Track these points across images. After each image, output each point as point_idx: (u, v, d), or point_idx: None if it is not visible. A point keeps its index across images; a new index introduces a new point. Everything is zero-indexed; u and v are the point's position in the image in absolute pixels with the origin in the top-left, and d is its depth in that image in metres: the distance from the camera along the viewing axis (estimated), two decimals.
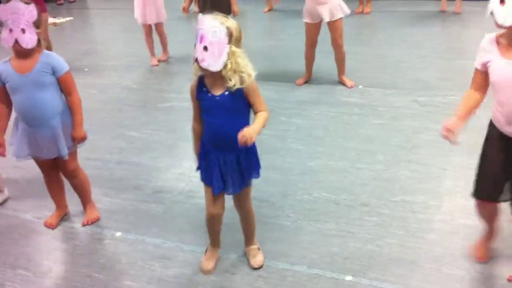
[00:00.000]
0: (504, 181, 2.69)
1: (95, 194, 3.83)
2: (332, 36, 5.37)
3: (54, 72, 3.19)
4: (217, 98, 2.67)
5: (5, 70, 3.17)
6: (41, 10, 6.64)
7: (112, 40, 8.55)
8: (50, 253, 3.37)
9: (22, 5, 3.07)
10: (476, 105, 2.69)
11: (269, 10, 9.39)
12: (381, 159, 4.08)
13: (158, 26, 6.75)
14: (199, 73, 2.70)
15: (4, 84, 3.19)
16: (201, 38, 2.55)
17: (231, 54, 2.58)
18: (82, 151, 4.54)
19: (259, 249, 3.14)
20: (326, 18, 5.24)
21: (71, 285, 3.07)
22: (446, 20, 7.79)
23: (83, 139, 3.35)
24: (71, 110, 3.30)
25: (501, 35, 2.53)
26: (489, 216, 2.90)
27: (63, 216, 3.68)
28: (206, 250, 3.16)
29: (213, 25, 2.54)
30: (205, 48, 2.54)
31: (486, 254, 2.98)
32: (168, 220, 3.57)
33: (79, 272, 3.16)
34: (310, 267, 3.03)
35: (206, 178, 2.87)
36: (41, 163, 3.45)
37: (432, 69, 5.82)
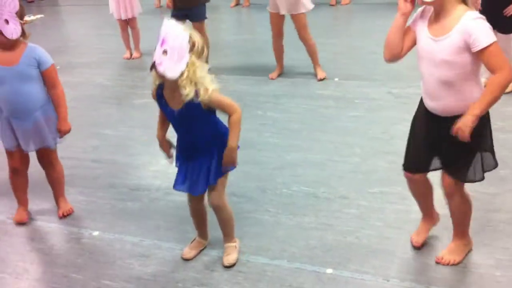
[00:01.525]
0: (428, 153, 2.77)
1: (71, 193, 3.78)
2: (296, 28, 5.38)
3: (39, 65, 3.17)
4: (176, 113, 2.67)
5: None
6: None
7: (84, 37, 8.44)
8: (26, 254, 3.31)
9: None
10: (400, 42, 2.71)
11: (236, 5, 9.29)
12: (358, 151, 4.09)
13: (131, 20, 6.72)
14: (157, 81, 2.67)
15: None
16: (162, 42, 2.50)
17: (190, 64, 2.53)
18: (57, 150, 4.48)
19: (236, 247, 3.09)
20: (283, 11, 5.25)
21: (48, 286, 3.02)
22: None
23: (67, 131, 3.36)
24: (55, 103, 3.30)
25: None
26: (418, 191, 2.96)
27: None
28: (193, 240, 3.17)
29: (176, 30, 2.51)
30: (165, 52, 2.48)
31: (421, 240, 3.03)
32: (145, 218, 3.53)
33: (56, 273, 3.11)
34: (290, 261, 3.02)
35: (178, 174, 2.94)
36: (14, 158, 3.42)
37: (405, 60, 5.78)
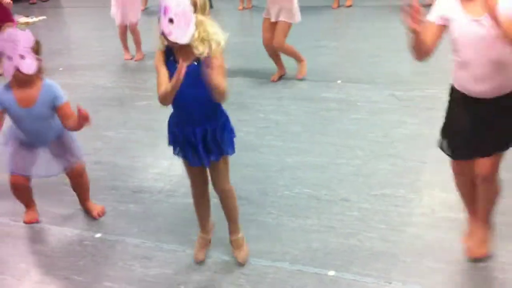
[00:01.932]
0: (474, 141, 2.70)
1: (73, 195, 3.77)
2: (274, 35, 5.44)
3: (54, 102, 3.19)
4: (187, 71, 2.50)
5: (8, 100, 3.15)
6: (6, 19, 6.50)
7: (86, 39, 8.44)
8: (27, 256, 3.30)
9: (18, 32, 3.05)
10: (425, 44, 2.55)
11: (244, 8, 9.32)
12: (360, 154, 4.08)
13: (132, 24, 6.73)
14: (165, 43, 2.59)
15: (3, 109, 3.17)
16: (165, 11, 2.46)
17: (198, 24, 2.50)
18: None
19: (243, 237, 3.09)
20: (272, 17, 5.31)
21: None
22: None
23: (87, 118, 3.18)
24: (70, 129, 3.32)
25: None
26: (467, 184, 2.88)
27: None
28: (198, 238, 3.15)
29: None
30: (171, 21, 2.45)
31: (482, 248, 2.91)
32: (147, 220, 3.53)
33: (57, 275, 3.11)
34: (292, 263, 3.01)
35: (181, 153, 2.83)
36: (18, 178, 3.47)
37: (408, 63, 5.79)
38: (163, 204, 3.68)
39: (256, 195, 3.68)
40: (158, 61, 2.64)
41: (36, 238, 3.46)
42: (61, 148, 3.39)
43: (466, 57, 2.54)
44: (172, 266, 3.09)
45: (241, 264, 3.04)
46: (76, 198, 3.71)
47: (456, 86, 2.68)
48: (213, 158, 2.79)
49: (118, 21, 6.71)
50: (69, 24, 9.92)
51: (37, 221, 3.59)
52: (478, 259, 2.89)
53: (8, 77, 3.11)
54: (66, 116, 3.22)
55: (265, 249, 3.14)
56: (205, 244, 3.15)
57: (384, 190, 3.59)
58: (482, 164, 2.71)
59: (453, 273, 2.85)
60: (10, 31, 3.07)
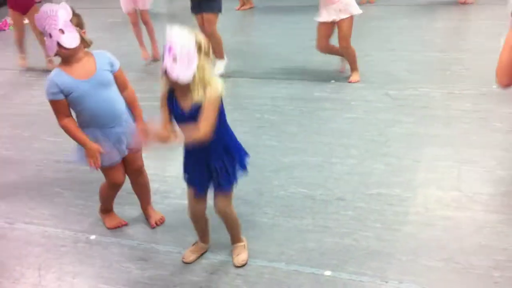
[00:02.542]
0: None
1: (67, 197, 3.77)
2: (338, 36, 5.32)
3: (111, 68, 3.06)
4: (186, 114, 2.63)
5: (65, 81, 2.94)
6: (31, 3, 6.48)
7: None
8: (22, 258, 3.29)
9: (54, 6, 2.88)
10: None
11: (242, 7, 9.26)
12: (355, 153, 4.09)
13: (144, 14, 6.49)
14: (168, 86, 2.66)
15: (66, 97, 2.97)
16: (170, 50, 2.52)
17: (200, 67, 2.56)
18: (52, 154, 4.47)
19: (244, 246, 3.12)
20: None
21: None
22: (414, 12, 7.85)
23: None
24: (129, 103, 3.18)
25: None
26: None
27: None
28: (195, 243, 3.18)
29: (181, 35, 2.52)
30: (175, 59, 2.51)
31: None
32: (143, 222, 3.52)
33: (52, 277, 3.10)
34: (288, 264, 3.01)
35: (190, 180, 2.89)
36: (116, 172, 3.31)
37: (401, 62, 5.85)
38: (158, 205, 3.67)
39: (252, 195, 3.68)
40: (162, 104, 2.73)
41: (30, 240, 3.45)
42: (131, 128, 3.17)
43: None
44: (168, 267, 3.09)
45: (237, 266, 3.04)
46: (69, 200, 3.70)
47: None
48: (226, 189, 2.85)
49: (124, 8, 6.40)
50: None
51: (125, 224, 3.51)
52: None
53: (52, 55, 2.96)
54: (124, 84, 3.12)
55: (261, 249, 3.14)
56: (200, 250, 3.16)
57: (379, 189, 3.60)
58: None
59: (448, 271, 2.85)
60: (45, 7, 2.88)
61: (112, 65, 3.07)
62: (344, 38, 5.23)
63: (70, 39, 2.91)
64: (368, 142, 4.23)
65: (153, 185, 3.90)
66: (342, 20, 5.14)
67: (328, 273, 2.91)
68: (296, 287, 2.84)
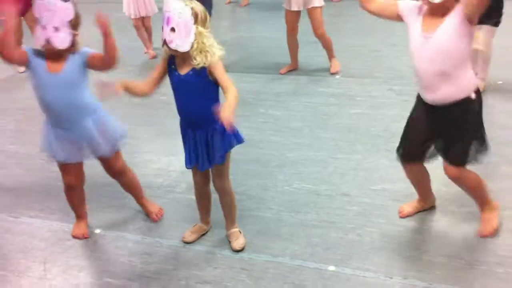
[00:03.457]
0: (425, 144, 2.92)
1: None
2: (311, 24, 5.38)
3: (83, 58, 2.97)
4: (182, 77, 2.76)
5: (35, 60, 2.93)
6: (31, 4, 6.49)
7: (88, 35, 8.41)
8: (27, 252, 3.30)
9: (59, 2, 2.83)
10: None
11: (230, 2, 9.23)
12: (360, 149, 4.08)
13: (147, 20, 6.65)
14: (168, 53, 2.79)
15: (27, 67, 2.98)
16: (168, 20, 2.65)
17: (197, 35, 2.67)
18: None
19: (240, 232, 3.17)
20: (295, 7, 5.25)
21: (49, 283, 3.01)
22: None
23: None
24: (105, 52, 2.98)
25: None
26: (414, 177, 3.13)
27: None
28: (195, 224, 3.26)
29: (178, 6, 2.64)
30: (173, 30, 2.65)
31: (406, 213, 3.24)
32: (147, 216, 3.52)
33: (57, 271, 3.11)
34: (292, 259, 3.02)
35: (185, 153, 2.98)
36: (68, 172, 3.27)
37: (406, 57, 5.76)
38: (162, 200, 3.68)
39: (256, 190, 3.68)
40: (158, 66, 2.89)
41: (35, 234, 3.46)
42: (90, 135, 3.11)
43: (415, 63, 2.74)
44: (172, 261, 3.09)
45: (237, 250, 3.06)
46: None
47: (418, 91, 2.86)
48: (217, 161, 2.90)
49: (132, 14, 6.53)
50: None
51: (87, 237, 3.38)
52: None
53: (38, 45, 2.91)
54: (98, 58, 2.97)
55: (265, 244, 3.14)
56: (199, 230, 3.24)
57: (384, 185, 3.60)
58: (446, 169, 2.88)
59: (453, 267, 2.85)
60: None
61: (84, 54, 2.98)
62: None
63: (62, 40, 2.87)
64: (373, 137, 4.23)
65: (158, 180, 3.92)
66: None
67: (332, 268, 2.92)
68: (299, 282, 2.85)
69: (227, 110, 2.53)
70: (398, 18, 2.82)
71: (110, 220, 3.52)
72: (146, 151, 4.39)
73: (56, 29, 2.84)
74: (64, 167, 3.21)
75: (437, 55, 2.62)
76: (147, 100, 5.29)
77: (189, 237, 3.21)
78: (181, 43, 2.66)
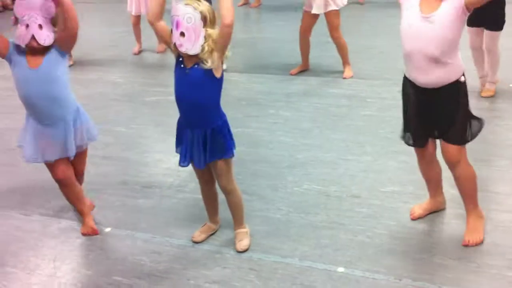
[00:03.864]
0: (425, 125, 2.94)
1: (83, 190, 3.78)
2: (328, 27, 5.38)
3: (56, 49, 3.04)
4: (187, 71, 2.78)
5: (16, 56, 3.03)
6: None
7: (97, 34, 8.45)
8: (37, 249, 3.32)
9: (40, 1, 2.92)
10: None
11: (244, 4, 9.22)
12: (369, 151, 4.07)
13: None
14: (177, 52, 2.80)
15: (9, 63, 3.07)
16: (177, 25, 2.67)
17: (207, 36, 2.69)
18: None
19: (247, 233, 3.17)
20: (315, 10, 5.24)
21: (59, 281, 3.03)
22: None
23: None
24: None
25: None
26: (427, 167, 3.14)
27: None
28: (204, 224, 3.27)
29: (187, 11, 2.65)
30: (182, 34, 2.66)
31: (417, 215, 3.23)
32: (156, 215, 3.53)
33: (67, 269, 3.12)
34: (301, 260, 3.01)
35: (180, 152, 3.01)
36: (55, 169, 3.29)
37: None
38: (172, 200, 3.69)
39: (266, 191, 3.68)
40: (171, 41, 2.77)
41: (45, 232, 3.47)
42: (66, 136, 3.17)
43: (408, 49, 2.77)
44: (181, 261, 3.10)
45: (239, 251, 3.07)
46: (86, 193, 3.71)
47: (405, 73, 2.91)
48: (208, 160, 2.92)
49: (133, 10, 6.63)
50: (80, 20, 9.93)
51: (97, 233, 3.39)
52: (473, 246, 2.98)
53: (21, 44, 2.98)
54: (60, 31, 3.03)
55: (274, 245, 3.14)
56: (208, 230, 3.25)
57: (393, 187, 3.58)
58: (446, 152, 2.91)
59: (463, 270, 2.83)
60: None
61: (58, 51, 3.05)
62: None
63: (46, 37, 2.96)
64: (383, 139, 4.21)
65: (168, 180, 3.93)
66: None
67: (341, 269, 2.91)
68: (308, 283, 2.84)
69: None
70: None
71: (120, 219, 3.53)
72: (156, 151, 4.40)
73: (40, 26, 2.93)
74: (48, 165, 3.27)
75: (433, 38, 2.67)
76: (157, 100, 5.34)
77: (198, 236, 3.22)
78: (191, 47, 2.68)
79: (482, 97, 4.70)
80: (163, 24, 2.79)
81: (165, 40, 2.84)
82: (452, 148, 2.87)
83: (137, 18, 6.75)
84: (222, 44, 2.72)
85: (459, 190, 3.02)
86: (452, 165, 2.94)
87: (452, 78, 2.76)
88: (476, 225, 3.01)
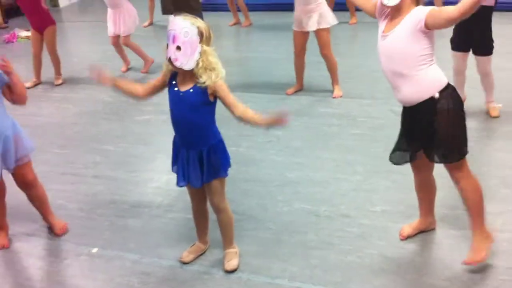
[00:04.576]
0: (409, 143, 2.96)
1: (70, 209, 3.75)
2: (318, 45, 5.40)
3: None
4: (181, 93, 2.78)
5: None
6: (50, 23, 6.61)
7: (87, 52, 8.46)
8: (23, 270, 3.28)
9: None
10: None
11: (235, 24, 9.25)
12: (360, 170, 4.07)
13: (124, 38, 6.72)
14: (170, 68, 2.81)
15: None
16: (174, 39, 2.68)
17: (202, 53, 2.71)
18: (57, 166, 4.47)
19: (236, 253, 3.14)
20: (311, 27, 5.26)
21: None
22: None
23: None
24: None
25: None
26: (421, 183, 3.13)
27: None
28: (193, 244, 3.24)
29: (184, 25, 2.67)
30: (178, 48, 2.67)
31: (406, 234, 3.21)
32: (145, 235, 3.50)
33: None
34: (291, 280, 2.98)
35: (177, 172, 2.99)
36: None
37: None
38: (162, 219, 3.66)
39: (256, 210, 3.66)
40: (162, 76, 2.90)
41: (32, 253, 3.43)
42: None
43: (382, 68, 2.88)
44: (170, 282, 3.06)
45: (227, 271, 3.04)
46: (72, 212, 3.69)
47: None
48: (205, 180, 2.91)
49: (109, 32, 6.70)
50: (69, 38, 9.94)
51: (7, 247, 3.48)
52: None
53: None
54: (8, 92, 3.21)
55: (264, 265, 3.11)
56: (197, 250, 3.22)
57: (384, 207, 3.57)
58: (449, 170, 2.89)
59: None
60: None
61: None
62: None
63: None
64: (374, 158, 4.21)
65: (156, 199, 3.90)
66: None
67: None
68: None
69: (270, 118, 2.83)
70: (374, 15, 2.95)
71: (108, 239, 3.49)
72: (146, 169, 4.38)
73: None
74: None
75: (391, 55, 2.76)
76: (148, 119, 5.32)
77: (187, 257, 3.19)
78: (186, 62, 2.68)
79: (492, 117, 4.68)
80: (151, 88, 2.96)
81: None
82: (449, 167, 2.86)
83: (116, 39, 6.76)
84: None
85: (465, 204, 2.94)
86: (457, 180, 2.89)
87: (424, 96, 2.76)
88: (481, 247, 2.92)
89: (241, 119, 2.82)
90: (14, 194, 3.51)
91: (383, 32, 2.80)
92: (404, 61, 2.73)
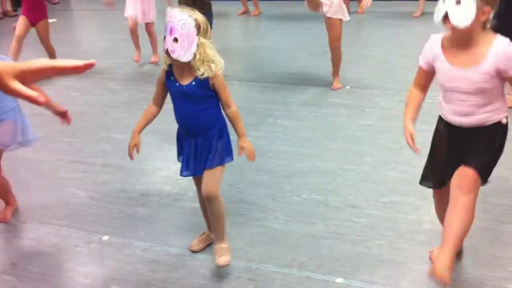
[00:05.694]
0: (453, 166, 2.68)
1: (82, 197, 3.77)
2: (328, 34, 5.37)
3: None
4: (184, 88, 2.79)
5: None
6: (44, 16, 6.58)
7: (96, 41, 8.49)
8: (34, 257, 3.30)
9: None
10: (420, 104, 2.89)
11: (243, 13, 9.22)
12: (369, 160, 4.07)
13: (147, 25, 6.67)
14: (168, 62, 2.81)
15: None
16: (171, 31, 2.68)
17: (200, 45, 2.70)
18: (67, 155, 4.50)
19: (228, 248, 3.01)
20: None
21: None
22: (429, 20, 7.82)
23: None
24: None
25: (446, 38, 2.62)
26: (443, 209, 2.74)
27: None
28: (202, 233, 3.24)
29: (182, 17, 2.67)
30: (175, 40, 2.67)
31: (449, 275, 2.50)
32: (155, 224, 3.53)
33: (64, 277, 3.11)
34: (300, 270, 3.00)
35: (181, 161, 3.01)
36: None
37: (417, 69, 5.81)
38: (171, 208, 3.68)
39: (264, 200, 3.67)
40: (159, 80, 2.94)
41: (43, 240, 3.46)
42: None
43: (447, 96, 2.69)
44: (179, 270, 3.09)
45: (220, 266, 2.95)
46: (82, 200, 3.71)
47: (441, 115, 2.77)
48: (209, 165, 2.88)
49: (130, 15, 6.55)
50: (79, 27, 9.97)
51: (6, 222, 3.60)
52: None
53: None
54: None
55: (272, 255, 3.13)
56: (206, 239, 3.22)
57: (393, 197, 3.58)
58: (463, 176, 2.61)
59: (462, 282, 2.83)
60: None
61: None
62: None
63: None
64: (382, 149, 4.21)
65: (165, 188, 3.92)
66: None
67: (340, 280, 2.90)
68: None
69: (248, 145, 2.87)
70: (434, 71, 2.78)
71: (118, 227, 3.52)
72: (155, 158, 4.39)
73: None
74: None
75: (474, 90, 2.53)
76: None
77: (196, 246, 3.21)
78: (183, 54, 2.67)
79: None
80: (160, 97, 3.00)
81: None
82: (470, 173, 2.58)
83: (136, 24, 6.62)
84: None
85: (449, 218, 2.62)
86: (464, 189, 2.58)
87: (493, 120, 2.59)
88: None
89: (229, 118, 2.87)
90: (31, 181, 3.54)
91: (455, 66, 2.56)
92: (488, 94, 2.53)
